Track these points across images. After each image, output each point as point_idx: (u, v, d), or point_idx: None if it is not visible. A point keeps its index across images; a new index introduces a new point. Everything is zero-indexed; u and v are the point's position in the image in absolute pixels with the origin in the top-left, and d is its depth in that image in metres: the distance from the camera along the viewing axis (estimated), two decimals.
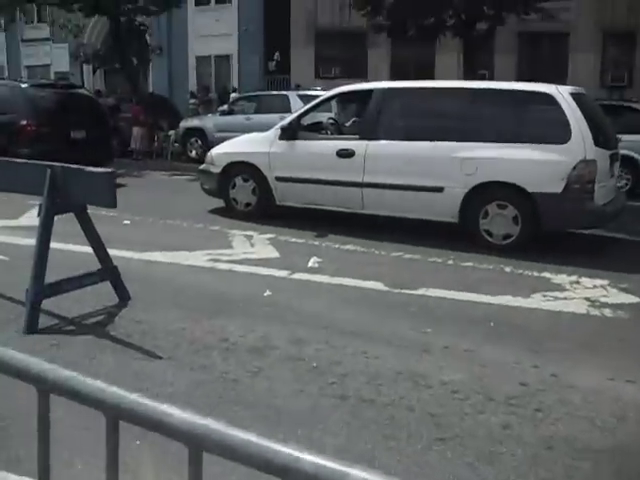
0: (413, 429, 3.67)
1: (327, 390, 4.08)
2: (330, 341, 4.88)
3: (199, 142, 18.24)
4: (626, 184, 13.16)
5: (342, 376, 4.29)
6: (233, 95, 21.50)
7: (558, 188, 7.75)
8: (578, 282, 6.85)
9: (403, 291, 6.37)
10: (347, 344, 4.84)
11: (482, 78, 18.20)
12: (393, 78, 21.25)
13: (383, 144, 8.63)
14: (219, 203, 10.04)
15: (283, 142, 9.22)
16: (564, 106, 7.79)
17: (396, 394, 4.06)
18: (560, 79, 19.97)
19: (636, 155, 13.15)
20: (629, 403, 4.09)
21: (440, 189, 8.31)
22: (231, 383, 4.11)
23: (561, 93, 7.91)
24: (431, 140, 8.34)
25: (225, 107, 18.86)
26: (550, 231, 8.24)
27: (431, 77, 20.90)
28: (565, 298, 6.33)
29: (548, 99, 7.92)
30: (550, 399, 4.08)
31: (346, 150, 8.81)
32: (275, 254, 7.70)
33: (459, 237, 8.36)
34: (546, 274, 7.14)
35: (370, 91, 9.00)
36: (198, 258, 7.38)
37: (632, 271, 7.41)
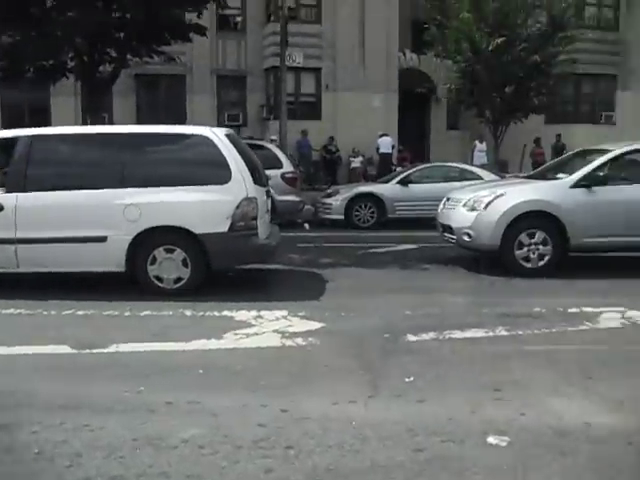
0: None
1: (67, 476, 3.60)
2: (42, 420, 4.31)
3: None
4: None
5: (75, 456, 3.81)
6: None
7: (224, 227, 7.92)
8: (260, 316, 7.05)
9: (94, 351, 5.93)
10: (63, 419, 4.32)
11: (102, 121, 17.93)
12: (5, 123, 20.03)
13: (37, 196, 7.98)
14: None
15: None
16: (221, 147, 8.02)
17: (143, 463, 3.74)
18: (180, 120, 20.72)
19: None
20: (362, 422, 4.30)
21: (103, 238, 7.94)
22: None
23: (216, 134, 8.14)
24: (90, 188, 7.97)
25: None
26: (220, 270, 8.39)
27: (47, 121, 20.11)
28: (256, 334, 6.46)
29: (205, 141, 8.08)
30: (294, 434, 4.12)
31: None
32: None
33: (129, 286, 8.08)
34: (227, 313, 7.23)
35: (15, 139, 8.26)
36: None
37: (302, 298, 7.90)
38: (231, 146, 8.12)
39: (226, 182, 7.97)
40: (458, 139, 27.26)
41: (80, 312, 7.28)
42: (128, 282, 8.13)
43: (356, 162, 24.75)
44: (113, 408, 4.57)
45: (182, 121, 21.03)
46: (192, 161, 8.17)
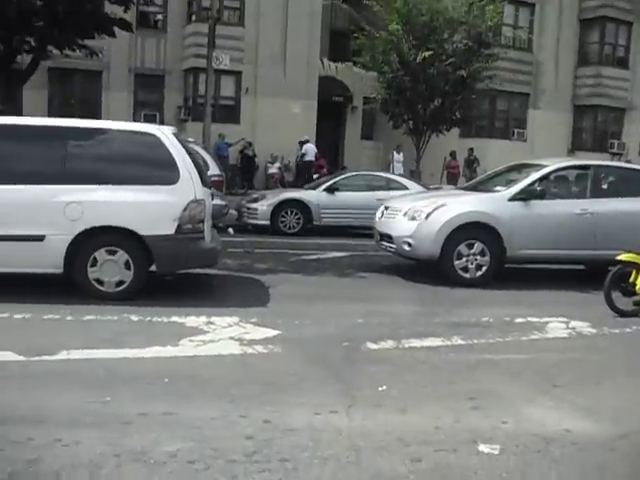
0: None
1: None
2: (4, 435, 3.97)
3: None
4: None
5: (54, 475, 3.53)
6: None
7: (170, 229, 7.65)
8: (212, 323, 6.85)
9: (44, 358, 5.55)
10: (30, 434, 3.98)
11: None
12: None
13: None
14: None
15: None
16: (169, 146, 7.75)
17: None
18: (94, 116, 20.06)
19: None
20: (350, 433, 4.20)
21: (40, 237, 7.52)
22: None
23: (165, 133, 7.87)
24: (29, 183, 7.52)
25: None
26: (165, 273, 8.11)
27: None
28: (212, 341, 6.25)
29: (152, 139, 7.79)
30: (285, 446, 3.97)
31: None
32: None
33: (67, 288, 7.69)
34: (176, 318, 6.99)
35: None
36: None
37: (249, 305, 7.76)
38: (180, 146, 7.87)
39: (174, 183, 7.70)
40: (372, 149, 27.60)
41: (17, 316, 6.84)
42: (64, 285, 7.74)
43: (274, 168, 24.63)
44: (82, 420, 4.27)
45: (97, 117, 20.37)
46: (138, 159, 7.85)
